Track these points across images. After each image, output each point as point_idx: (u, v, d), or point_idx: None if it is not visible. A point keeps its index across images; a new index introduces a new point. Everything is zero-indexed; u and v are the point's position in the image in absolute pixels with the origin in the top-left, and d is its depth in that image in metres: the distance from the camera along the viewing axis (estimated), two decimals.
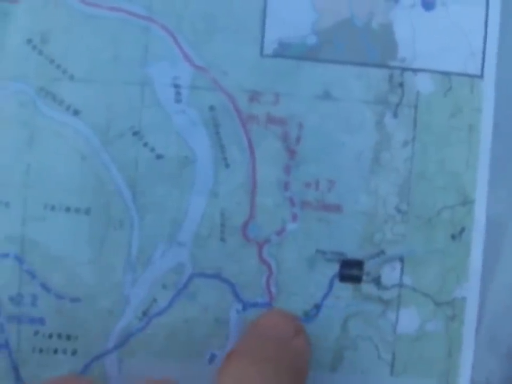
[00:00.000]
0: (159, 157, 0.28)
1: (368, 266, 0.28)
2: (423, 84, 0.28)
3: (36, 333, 0.28)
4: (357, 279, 0.28)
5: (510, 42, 0.28)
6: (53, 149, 0.28)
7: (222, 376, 0.25)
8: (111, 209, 0.28)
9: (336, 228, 0.28)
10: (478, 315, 0.28)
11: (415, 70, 0.28)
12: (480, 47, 0.28)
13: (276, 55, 0.28)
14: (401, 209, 0.28)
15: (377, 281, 0.28)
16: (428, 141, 0.28)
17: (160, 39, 0.28)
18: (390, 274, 0.28)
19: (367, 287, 0.28)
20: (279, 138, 0.28)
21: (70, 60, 0.28)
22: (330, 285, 0.28)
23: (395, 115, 0.28)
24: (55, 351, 0.28)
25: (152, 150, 0.28)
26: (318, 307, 0.28)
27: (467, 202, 0.28)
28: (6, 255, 0.28)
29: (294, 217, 0.28)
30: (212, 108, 0.28)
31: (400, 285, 0.28)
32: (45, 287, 0.28)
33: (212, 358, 0.28)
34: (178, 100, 0.28)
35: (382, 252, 0.28)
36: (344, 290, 0.28)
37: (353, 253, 0.28)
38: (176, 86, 0.28)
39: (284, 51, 0.28)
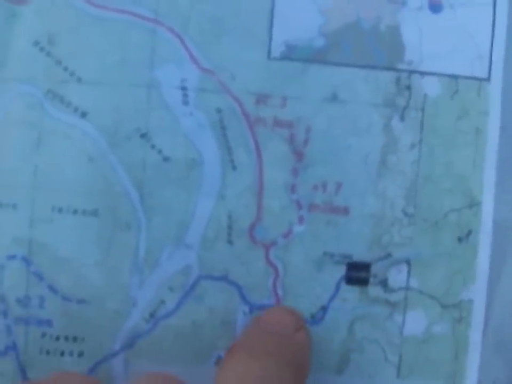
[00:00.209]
0: (166, 159, 0.28)
1: (375, 268, 0.28)
2: (430, 87, 0.28)
3: (43, 334, 0.28)
4: (363, 282, 0.28)
5: None
6: (61, 151, 0.28)
7: (223, 370, 0.25)
8: (118, 211, 0.28)
9: (343, 231, 0.28)
10: (485, 317, 0.28)
11: (422, 73, 0.28)
12: (487, 50, 0.28)
13: (283, 57, 0.28)
14: (408, 212, 0.28)
15: (384, 283, 0.28)
16: (435, 144, 0.28)
17: (167, 42, 0.28)
18: (396, 276, 0.28)
19: (374, 290, 0.28)
20: (286, 141, 0.28)
21: (78, 61, 0.28)
22: (337, 287, 0.28)
23: (402, 118, 0.28)
24: (62, 353, 0.28)
25: (160, 152, 0.28)
26: (324, 309, 0.28)
27: (474, 204, 0.28)
28: (13, 257, 0.28)
29: (301, 220, 0.28)
30: (219, 111, 0.28)
31: (407, 288, 0.28)
32: (52, 289, 0.28)
33: (219, 360, 0.28)
34: (185, 102, 0.28)
35: (389, 255, 0.28)
36: (351, 292, 0.28)
37: (360, 255, 0.28)
38: (183, 89, 0.28)
39: (291, 54, 0.28)
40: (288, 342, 0.26)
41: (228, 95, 0.28)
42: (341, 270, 0.28)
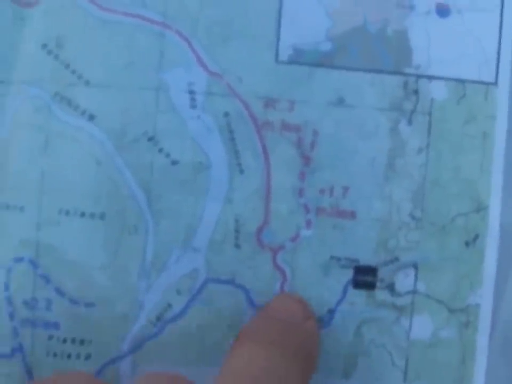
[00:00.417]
0: (174, 162, 0.28)
1: (382, 272, 0.28)
2: (438, 91, 0.28)
3: (50, 337, 0.28)
4: (370, 286, 0.28)
5: None
6: (68, 154, 0.28)
7: (229, 358, 0.25)
8: (126, 214, 0.28)
9: (350, 234, 0.28)
10: (492, 322, 0.28)
11: (429, 77, 0.28)
12: (494, 54, 0.28)
13: (291, 61, 0.28)
14: (415, 216, 0.28)
15: (391, 287, 0.28)
16: (442, 148, 0.28)
17: (175, 45, 0.28)
18: (403, 281, 0.28)
19: (381, 294, 0.28)
20: (294, 145, 0.28)
21: (86, 64, 0.28)
22: (344, 291, 0.28)
23: (409, 122, 0.28)
24: (69, 356, 0.28)
25: (167, 155, 0.28)
26: (331, 313, 0.28)
27: (481, 209, 0.28)
28: (20, 259, 0.28)
29: (309, 224, 0.28)
30: (226, 114, 0.28)
31: (414, 292, 0.28)
32: (59, 291, 0.28)
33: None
34: (193, 106, 0.28)
35: (396, 259, 0.28)
36: (358, 296, 0.28)
37: (367, 259, 0.28)
38: (191, 92, 0.28)
39: (299, 57, 0.28)
40: (296, 329, 0.26)
41: (236, 98, 0.28)
42: (348, 274, 0.28)
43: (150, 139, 0.28)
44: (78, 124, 0.28)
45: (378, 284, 0.28)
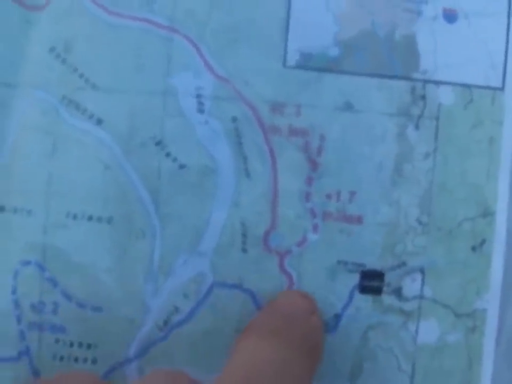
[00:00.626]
0: (181, 166, 0.28)
1: (389, 277, 0.28)
2: (445, 96, 0.28)
3: (57, 340, 0.28)
4: (377, 290, 0.28)
5: None
6: (76, 158, 0.28)
7: (235, 350, 0.25)
8: (133, 218, 0.28)
9: (357, 239, 0.28)
10: (498, 327, 0.28)
11: (437, 82, 0.28)
12: (501, 59, 0.28)
13: (298, 66, 0.28)
14: (422, 220, 0.28)
15: (397, 292, 0.28)
16: (449, 153, 0.28)
17: (183, 49, 0.28)
18: (410, 285, 0.28)
19: (387, 298, 0.28)
20: (301, 150, 0.28)
21: (93, 68, 0.28)
22: (351, 296, 0.28)
23: (417, 127, 0.28)
24: (76, 359, 0.28)
25: (175, 160, 0.28)
26: (338, 318, 0.28)
27: (488, 214, 0.28)
28: (27, 263, 0.28)
29: (315, 228, 0.28)
30: (234, 119, 0.28)
31: (421, 297, 0.28)
32: (66, 295, 0.28)
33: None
34: (201, 110, 0.28)
35: (403, 263, 0.28)
36: (365, 301, 0.28)
37: (373, 264, 0.28)
38: (199, 96, 0.28)
39: (306, 62, 0.28)
40: (301, 324, 0.26)
41: (243, 103, 0.28)
42: (355, 279, 0.28)
43: (158, 143, 0.28)
44: (85, 127, 0.28)
45: (385, 289, 0.28)
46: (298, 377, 0.24)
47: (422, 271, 0.28)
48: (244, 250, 0.28)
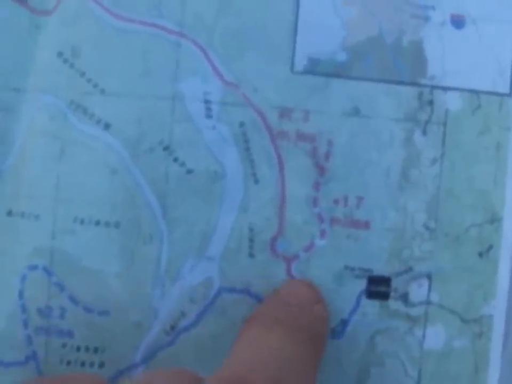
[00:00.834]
0: (189, 171, 0.28)
1: (396, 283, 0.28)
2: (452, 102, 0.28)
3: (64, 345, 0.28)
4: (384, 296, 0.28)
5: None
6: (83, 162, 0.28)
7: (239, 341, 0.25)
8: (141, 223, 0.28)
9: (364, 244, 0.28)
10: (505, 332, 0.28)
11: (444, 88, 0.28)
12: (508, 65, 0.28)
13: (306, 71, 0.28)
14: (429, 226, 0.28)
15: (404, 298, 0.28)
16: (457, 159, 0.28)
17: (191, 54, 0.28)
18: (417, 291, 0.28)
19: (394, 304, 0.28)
20: (309, 155, 0.28)
21: (101, 73, 0.28)
22: (358, 301, 0.28)
23: (424, 132, 0.28)
24: (83, 364, 0.28)
25: (182, 164, 0.28)
26: (345, 323, 0.28)
27: (495, 220, 0.28)
28: (35, 267, 0.28)
29: (323, 234, 0.28)
30: (242, 124, 0.28)
31: (428, 302, 0.28)
32: (73, 300, 0.28)
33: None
34: (208, 115, 0.28)
35: (410, 269, 0.28)
36: (371, 306, 0.28)
37: (380, 269, 0.28)
38: (207, 102, 0.28)
39: (314, 68, 0.28)
40: (305, 313, 0.26)
41: (251, 108, 0.28)
42: (362, 284, 0.28)
43: (166, 148, 0.28)
44: (93, 132, 0.28)
45: (391, 294, 0.28)
46: (302, 365, 0.24)
47: (428, 276, 0.28)
48: (251, 255, 0.28)
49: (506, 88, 0.28)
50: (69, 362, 0.28)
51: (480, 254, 0.28)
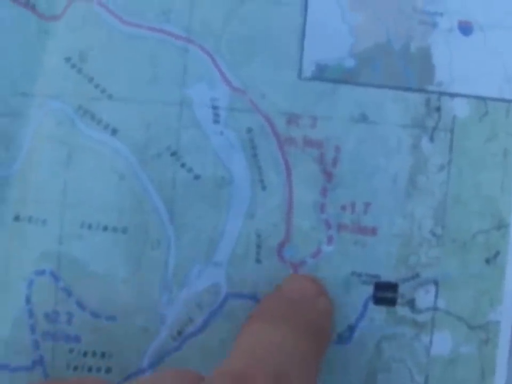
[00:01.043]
0: (196, 177, 0.28)
1: (403, 289, 0.28)
2: (460, 108, 0.28)
3: (71, 350, 0.28)
4: (391, 302, 0.28)
5: None
6: (91, 168, 0.28)
7: (241, 336, 0.25)
8: (148, 228, 0.28)
9: (372, 251, 0.28)
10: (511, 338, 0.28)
11: (452, 95, 0.28)
12: None
13: (314, 77, 0.28)
14: (436, 232, 0.28)
15: (411, 304, 0.28)
16: (464, 165, 0.28)
17: (199, 60, 0.28)
18: (424, 297, 0.28)
19: (401, 310, 0.28)
20: (316, 161, 0.28)
21: (109, 79, 0.28)
22: (365, 307, 0.28)
23: (431, 139, 0.28)
24: (90, 369, 0.28)
25: (190, 170, 0.28)
26: (352, 329, 0.28)
27: (502, 226, 0.28)
28: (42, 272, 0.28)
29: (330, 240, 0.28)
30: (249, 130, 0.28)
31: (434, 308, 0.28)
32: (80, 305, 0.28)
33: None
34: (216, 121, 0.28)
35: (417, 275, 0.28)
36: (379, 312, 0.28)
37: (388, 275, 0.28)
38: (214, 107, 0.28)
39: (322, 74, 0.28)
40: (308, 308, 0.26)
41: (259, 114, 0.28)
42: (369, 290, 0.28)
43: (173, 154, 0.28)
44: (101, 137, 0.28)
45: (398, 300, 0.28)
46: (305, 360, 0.24)
47: (435, 282, 0.28)
48: (258, 261, 0.28)
49: None
50: (75, 368, 0.28)
51: (487, 260, 0.28)
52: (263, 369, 0.23)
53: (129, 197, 0.28)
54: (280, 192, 0.28)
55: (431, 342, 0.28)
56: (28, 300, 0.28)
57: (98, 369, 0.28)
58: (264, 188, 0.28)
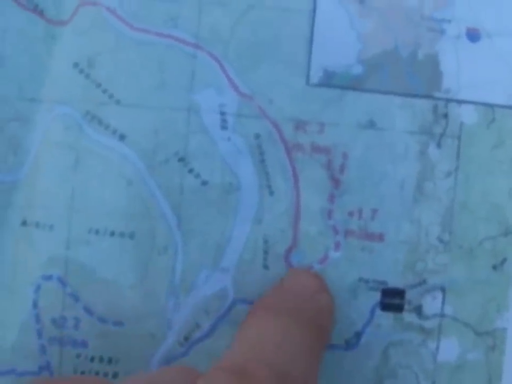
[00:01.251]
0: (204, 183, 0.28)
1: (410, 295, 0.28)
2: (467, 115, 0.28)
3: (78, 355, 0.28)
4: (398, 308, 0.28)
5: None
6: (98, 173, 0.28)
7: (244, 327, 0.25)
8: (155, 234, 0.28)
9: (379, 257, 0.28)
10: None
11: (459, 101, 0.28)
12: None
13: (322, 84, 0.28)
14: (443, 239, 0.28)
15: (418, 310, 0.28)
16: (471, 172, 0.28)
17: (207, 66, 0.28)
18: (431, 303, 0.28)
19: (408, 316, 0.28)
20: (324, 167, 0.28)
21: (117, 84, 0.28)
22: (372, 314, 0.28)
23: (439, 145, 0.28)
24: (97, 374, 0.28)
25: (197, 176, 0.28)
26: (359, 335, 0.28)
27: (509, 233, 0.28)
28: (49, 277, 0.28)
29: (337, 246, 0.28)
30: (257, 136, 0.28)
31: (441, 315, 0.28)
32: (88, 310, 0.28)
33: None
34: (224, 127, 0.28)
35: (424, 281, 0.28)
36: (385, 318, 0.28)
37: (395, 281, 0.28)
38: (222, 113, 0.28)
39: (329, 80, 0.28)
40: (310, 302, 0.26)
41: (266, 120, 0.28)
42: (376, 296, 0.28)
43: (181, 159, 0.28)
44: (108, 143, 0.28)
45: (405, 306, 0.28)
46: (305, 355, 0.24)
47: (442, 289, 0.28)
48: (266, 266, 0.28)
49: None
50: (82, 373, 0.28)
51: (494, 267, 0.28)
52: (263, 363, 0.23)
53: (136, 203, 0.28)
54: (287, 198, 0.28)
55: (437, 348, 0.28)
56: (35, 305, 0.28)
57: (105, 375, 0.28)
58: (271, 193, 0.28)
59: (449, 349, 0.28)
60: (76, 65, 0.28)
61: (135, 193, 0.28)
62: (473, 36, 0.28)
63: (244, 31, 0.28)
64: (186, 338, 0.28)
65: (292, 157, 0.28)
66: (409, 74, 0.28)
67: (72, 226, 0.28)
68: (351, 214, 0.28)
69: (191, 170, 0.28)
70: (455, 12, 0.28)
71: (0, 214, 0.29)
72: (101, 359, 0.28)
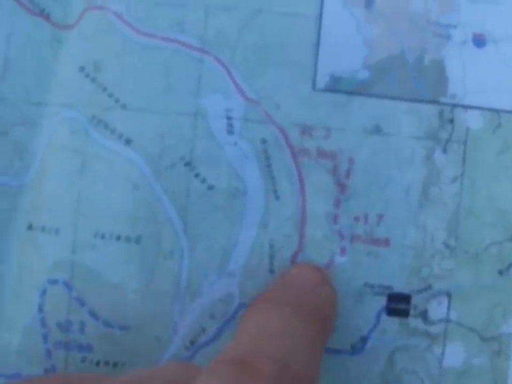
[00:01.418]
0: (210, 188, 0.28)
1: (415, 300, 0.28)
2: (473, 121, 0.28)
3: (83, 359, 0.28)
4: (404, 313, 0.28)
5: None
6: (104, 177, 0.28)
7: (245, 319, 0.25)
8: (161, 238, 0.28)
9: (384, 262, 0.28)
10: None
11: (465, 107, 0.28)
12: None
13: (328, 89, 0.28)
14: (449, 244, 0.28)
15: (424, 315, 0.28)
16: (477, 177, 0.28)
17: (213, 71, 0.28)
18: (437, 308, 0.28)
19: (413, 321, 0.28)
20: (329, 172, 0.28)
21: (123, 89, 0.28)
22: (377, 319, 0.28)
23: (444, 151, 0.28)
24: None
25: (204, 181, 0.28)
26: (364, 340, 0.28)
27: None
28: (55, 281, 0.28)
29: (343, 251, 0.28)
30: (263, 141, 0.28)
31: (447, 320, 0.28)
32: (93, 314, 0.28)
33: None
34: (230, 132, 0.28)
35: (429, 287, 0.28)
36: (391, 324, 0.28)
37: (400, 287, 0.28)
38: (229, 118, 0.28)
39: (336, 85, 0.28)
40: (311, 295, 0.26)
41: (273, 125, 0.28)
42: (381, 301, 0.28)
43: (187, 164, 0.28)
44: (114, 147, 0.28)
45: (411, 312, 0.28)
46: (306, 348, 0.24)
47: (448, 294, 0.28)
48: (272, 271, 0.28)
49: None
50: None
51: (500, 272, 0.28)
52: (265, 357, 0.23)
53: (142, 207, 0.28)
54: (293, 202, 0.28)
55: (443, 353, 0.28)
56: (41, 309, 0.28)
57: None
58: (277, 198, 0.28)
59: (454, 354, 0.28)
60: (82, 69, 0.28)
61: (141, 198, 0.28)
62: (479, 41, 0.28)
63: (250, 36, 0.28)
64: (192, 343, 0.28)
65: (298, 162, 0.28)
66: (415, 79, 0.28)
67: (78, 230, 0.28)
68: (356, 219, 0.28)
69: (197, 175, 0.28)
70: (460, 17, 0.28)
71: (6, 218, 0.29)
72: (107, 363, 0.28)
